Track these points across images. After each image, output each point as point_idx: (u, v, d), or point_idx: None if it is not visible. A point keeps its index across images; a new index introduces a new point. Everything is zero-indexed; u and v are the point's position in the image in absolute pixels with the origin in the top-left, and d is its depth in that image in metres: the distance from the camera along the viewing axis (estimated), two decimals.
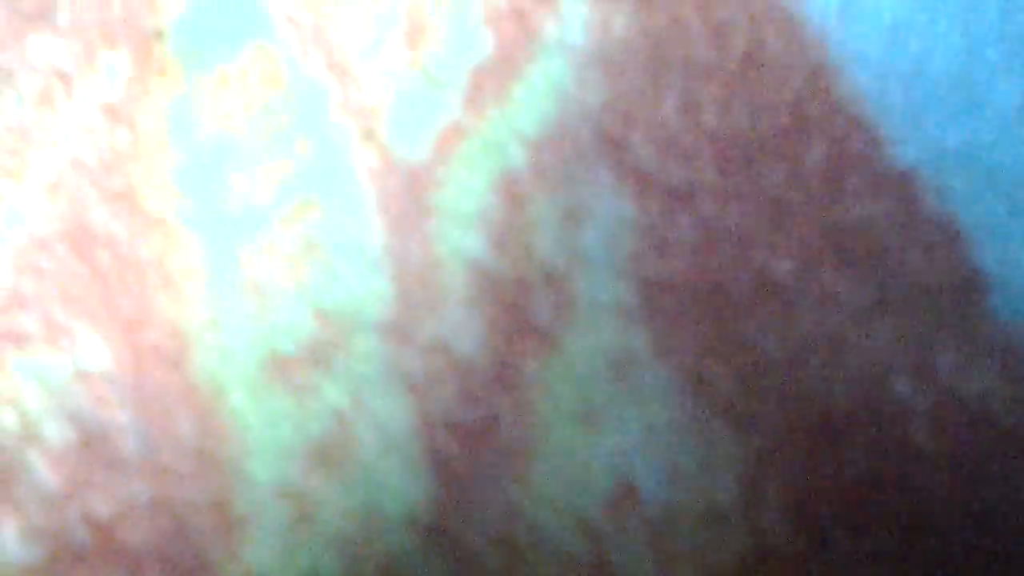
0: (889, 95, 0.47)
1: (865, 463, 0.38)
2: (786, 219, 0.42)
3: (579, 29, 0.51)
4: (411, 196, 0.45)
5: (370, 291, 0.42)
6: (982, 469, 0.38)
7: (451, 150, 0.46)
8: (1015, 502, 0.38)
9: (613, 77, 0.49)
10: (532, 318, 0.41)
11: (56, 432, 0.39)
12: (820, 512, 0.38)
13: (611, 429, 0.39)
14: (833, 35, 0.49)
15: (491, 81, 0.48)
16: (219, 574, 0.37)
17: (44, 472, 0.39)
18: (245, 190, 0.45)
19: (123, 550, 0.37)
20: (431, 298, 0.42)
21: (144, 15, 0.53)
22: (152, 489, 0.38)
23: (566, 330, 0.41)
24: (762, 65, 0.48)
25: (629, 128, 0.46)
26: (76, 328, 0.41)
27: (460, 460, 0.39)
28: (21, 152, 0.47)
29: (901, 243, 0.41)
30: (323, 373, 0.40)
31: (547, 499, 0.38)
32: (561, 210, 0.44)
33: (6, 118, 0.49)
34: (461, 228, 0.43)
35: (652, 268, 0.41)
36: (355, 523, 0.38)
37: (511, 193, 0.45)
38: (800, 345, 0.39)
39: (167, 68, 0.49)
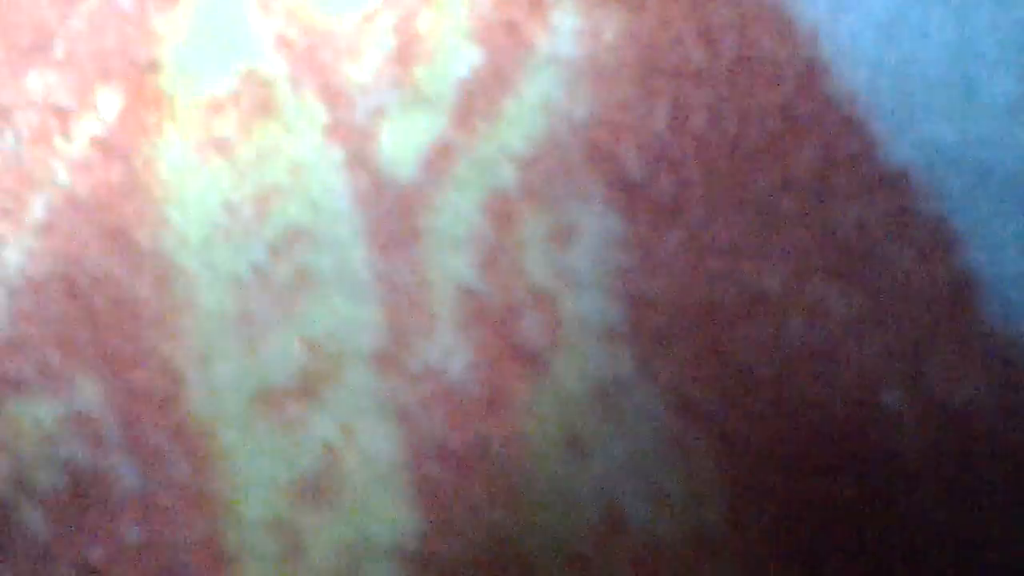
0: (881, 92, 0.46)
1: (853, 480, 0.38)
2: (776, 228, 0.42)
3: (570, 40, 0.51)
4: (400, 220, 0.44)
5: (360, 319, 0.42)
6: (968, 480, 0.37)
7: (441, 170, 0.46)
8: (1003, 514, 0.37)
9: (604, 88, 0.48)
10: (521, 341, 0.41)
11: (48, 478, 0.40)
12: (809, 533, 0.38)
13: (598, 455, 0.39)
14: (824, 32, 0.48)
15: (481, 97, 0.48)
16: None
17: (36, 520, 0.39)
18: (236, 220, 0.45)
19: None
20: (421, 324, 0.42)
21: (139, 46, 0.53)
22: (143, 531, 0.39)
23: (555, 352, 0.40)
24: (753, 67, 0.48)
25: (619, 140, 0.46)
26: (71, 371, 0.41)
27: (449, 489, 0.39)
28: (18, 193, 0.48)
29: (893, 248, 0.40)
30: (313, 405, 0.40)
31: (535, 528, 0.38)
32: (550, 229, 0.43)
33: (3, 158, 0.50)
34: (451, 251, 0.43)
35: (640, 285, 0.41)
36: (344, 556, 0.38)
37: (501, 213, 0.44)
38: (789, 360, 0.38)
39: (160, 99, 0.49)
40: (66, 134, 0.50)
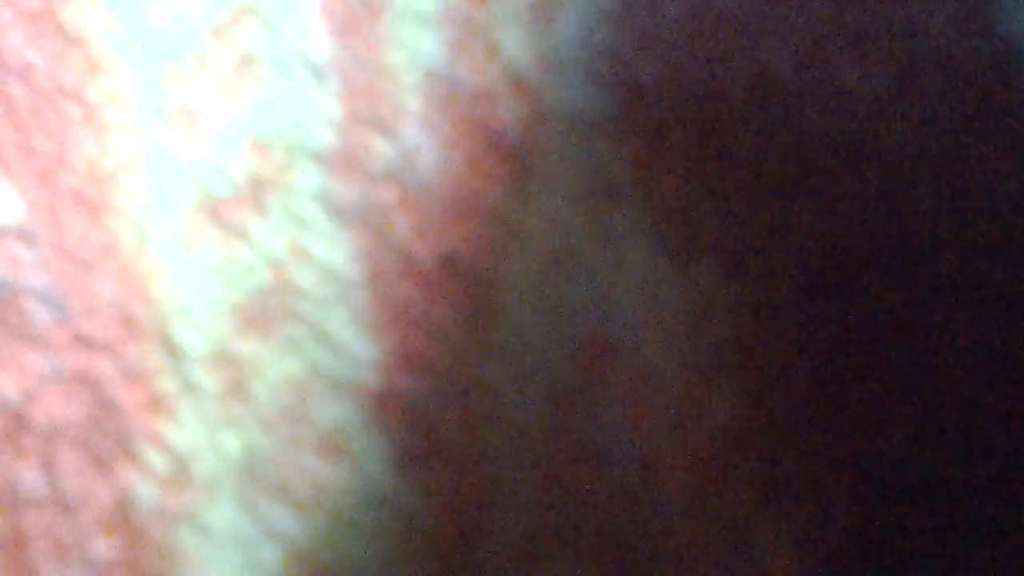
0: None
1: (880, 292, 0.32)
2: None
3: None
4: None
5: (313, 112, 0.37)
6: (1014, 293, 0.32)
7: None
8: None
9: None
10: (497, 136, 0.35)
11: None
12: (826, 356, 0.33)
13: (586, 273, 0.34)
14: None
15: None
16: (141, 460, 0.33)
17: None
18: None
19: (34, 435, 0.33)
20: (382, 116, 0.36)
21: None
22: (67, 362, 0.34)
23: (535, 150, 0.35)
24: None
25: None
26: None
27: (413, 311, 0.34)
28: None
29: (923, 14, 0.34)
30: (259, 216, 0.35)
31: (510, 357, 0.33)
32: (531, 0, 0.37)
33: None
34: (417, 28, 0.37)
35: (633, 69, 0.35)
36: (294, 393, 0.33)
37: None
38: (805, 154, 0.33)
39: None
40: None
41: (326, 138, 0.36)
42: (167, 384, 0.34)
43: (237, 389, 0.34)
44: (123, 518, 0.33)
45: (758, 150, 0.34)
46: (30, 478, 0.33)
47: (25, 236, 0.36)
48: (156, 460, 0.33)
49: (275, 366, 0.34)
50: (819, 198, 0.34)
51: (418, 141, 0.36)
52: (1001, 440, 0.32)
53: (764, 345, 0.33)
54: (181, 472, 0.33)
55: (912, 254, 0.33)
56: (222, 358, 0.34)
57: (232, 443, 0.33)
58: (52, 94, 0.38)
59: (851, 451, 0.33)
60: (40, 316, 0.35)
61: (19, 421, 0.34)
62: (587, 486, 0.33)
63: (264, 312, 0.35)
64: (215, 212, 0.36)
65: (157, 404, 0.34)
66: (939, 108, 0.34)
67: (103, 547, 0.32)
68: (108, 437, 0.33)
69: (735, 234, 0.34)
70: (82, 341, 0.34)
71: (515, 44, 0.37)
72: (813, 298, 0.33)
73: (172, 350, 0.34)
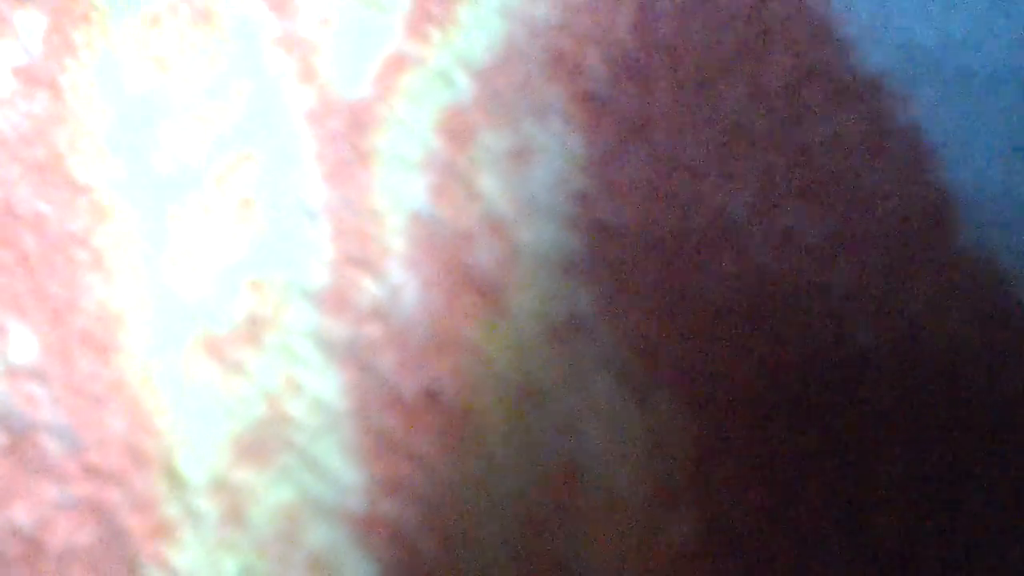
0: None
1: (824, 429, 0.35)
2: (744, 146, 0.39)
3: None
4: (350, 140, 0.41)
5: (307, 252, 0.40)
6: (947, 425, 0.35)
7: (393, 84, 0.43)
8: (984, 463, 0.34)
9: None
10: (474, 275, 0.38)
11: None
12: (777, 486, 0.35)
13: (555, 402, 0.37)
14: None
15: (435, 2, 0.45)
16: None
17: None
18: (178, 146, 0.42)
19: (49, 560, 0.36)
20: (370, 257, 0.39)
21: None
22: (79, 492, 0.37)
23: (509, 288, 0.38)
24: None
25: (582, 47, 0.42)
26: (4, 320, 0.39)
27: (397, 441, 0.37)
28: None
29: (867, 165, 0.37)
30: (256, 352, 0.38)
31: (487, 484, 0.36)
32: (508, 148, 0.40)
33: None
34: (402, 173, 0.40)
35: (601, 211, 0.38)
36: (287, 518, 0.36)
37: (456, 130, 0.41)
38: (757, 294, 0.35)
39: (90, 15, 0.46)
40: None
41: (319, 277, 0.39)
42: (171, 511, 0.36)
43: (234, 515, 0.36)
44: None
45: (714, 287, 0.37)
46: None
47: (39, 375, 0.39)
48: None
49: (269, 493, 0.37)
50: (769, 333, 0.37)
51: (402, 280, 0.39)
52: (933, 561, 0.35)
53: (719, 470, 0.36)
54: None
55: (852, 387, 0.36)
56: (221, 486, 0.37)
57: (229, 565, 0.36)
58: (62, 241, 0.41)
59: (798, 572, 0.35)
60: (53, 449, 0.38)
61: (35, 547, 0.36)
62: None
63: (260, 442, 0.37)
64: (215, 348, 0.39)
65: (162, 530, 0.36)
66: (878, 252, 0.37)
67: None
68: (117, 561, 0.36)
69: (692, 366, 0.37)
70: (92, 472, 0.37)
71: (493, 188, 0.40)
72: (763, 427, 0.36)
73: (175, 479, 0.37)
